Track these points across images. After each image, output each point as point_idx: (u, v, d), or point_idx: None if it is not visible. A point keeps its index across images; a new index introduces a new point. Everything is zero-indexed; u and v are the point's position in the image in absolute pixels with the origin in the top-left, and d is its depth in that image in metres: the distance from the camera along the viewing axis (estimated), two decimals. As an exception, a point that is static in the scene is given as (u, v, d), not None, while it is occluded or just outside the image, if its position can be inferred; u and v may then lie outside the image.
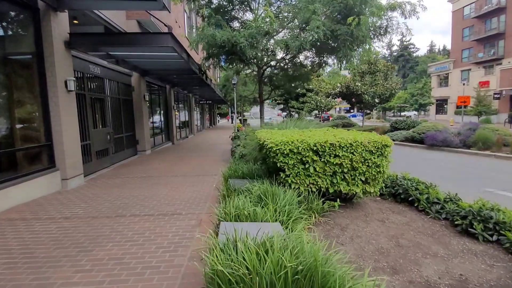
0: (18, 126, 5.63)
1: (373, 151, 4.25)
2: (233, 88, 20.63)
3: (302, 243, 2.11)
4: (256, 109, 61.94)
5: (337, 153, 4.11)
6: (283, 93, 24.06)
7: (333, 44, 9.47)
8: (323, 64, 13.97)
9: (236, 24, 12.63)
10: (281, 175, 4.21)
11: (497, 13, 35.24)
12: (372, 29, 9.69)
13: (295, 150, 4.08)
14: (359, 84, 21.18)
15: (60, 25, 6.26)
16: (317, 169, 4.13)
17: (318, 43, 8.39)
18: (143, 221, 4.26)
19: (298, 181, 4.19)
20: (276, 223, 3.11)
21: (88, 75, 8.04)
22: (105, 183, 6.93)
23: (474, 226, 3.65)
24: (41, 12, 5.86)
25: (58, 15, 6.20)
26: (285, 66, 14.33)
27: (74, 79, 6.60)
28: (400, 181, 5.30)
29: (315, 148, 4.08)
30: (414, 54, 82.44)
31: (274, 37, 11.08)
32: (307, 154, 4.08)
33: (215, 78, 29.00)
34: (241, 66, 13.65)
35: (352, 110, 67.31)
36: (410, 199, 4.85)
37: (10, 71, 5.48)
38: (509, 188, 6.48)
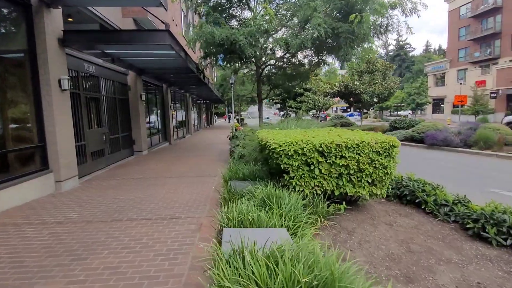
0: (10, 126, 5.41)
1: (380, 152, 4.09)
2: (231, 87, 20.44)
3: (315, 253, 1.94)
4: (253, 108, 61.83)
5: (343, 154, 3.95)
6: (281, 93, 23.92)
7: (333, 43, 9.32)
8: (322, 63, 13.83)
9: (234, 23, 12.43)
10: (285, 177, 4.04)
11: (493, 12, 35.36)
12: (372, 27, 9.55)
13: (300, 151, 3.90)
14: (358, 83, 21.08)
15: (53, 21, 6.03)
16: (323, 171, 3.97)
17: (319, 41, 8.23)
18: (141, 226, 4.06)
19: (303, 184, 4.02)
20: (282, 229, 2.94)
21: (83, 73, 7.81)
22: (100, 185, 6.71)
23: (487, 230, 3.51)
24: (34, 8, 5.63)
25: (52, 12, 5.98)
26: (284, 65, 14.16)
27: (68, 77, 6.38)
28: (406, 182, 5.16)
29: (320, 149, 3.91)
30: (410, 54, 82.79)
31: (273, 35, 10.91)
32: (312, 155, 3.91)
33: (212, 77, 28.78)
34: (240, 65, 13.45)
35: (349, 110, 67.40)
36: (417, 201, 4.71)
37: (1, 69, 5.25)
38: (514, 188, 6.36)
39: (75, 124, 7.04)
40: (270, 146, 4.06)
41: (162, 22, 9.11)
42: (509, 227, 3.44)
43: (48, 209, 4.96)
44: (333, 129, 5.56)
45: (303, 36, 8.19)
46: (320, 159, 3.94)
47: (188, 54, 8.96)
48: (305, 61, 13.61)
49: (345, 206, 4.13)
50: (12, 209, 4.92)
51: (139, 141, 11.23)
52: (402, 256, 3.18)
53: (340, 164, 3.98)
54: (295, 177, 4.01)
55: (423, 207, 4.59)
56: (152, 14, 9.57)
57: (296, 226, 3.14)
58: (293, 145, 3.90)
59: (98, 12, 7.47)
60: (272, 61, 13.80)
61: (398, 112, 56.98)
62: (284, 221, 3.16)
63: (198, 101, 28.42)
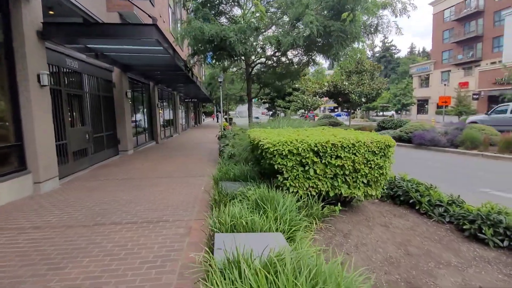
0: (-18, 124, 5.05)
1: (376, 152, 3.99)
2: (219, 86, 20.14)
3: (318, 262, 1.78)
4: (241, 108, 61.53)
5: (339, 154, 3.82)
6: (270, 92, 23.79)
7: (324, 41, 9.22)
8: (311, 63, 13.76)
9: (223, 20, 12.19)
10: (279, 178, 3.88)
11: (476, 16, 36.39)
12: (362, 27, 9.52)
13: (295, 151, 3.75)
14: (347, 83, 21.19)
15: (32, 12, 5.68)
16: (318, 171, 3.83)
17: (311, 40, 8.11)
18: (125, 230, 3.82)
19: (297, 185, 3.87)
20: (278, 234, 2.77)
21: (65, 69, 7.43)
22: (82, 186, 6.38)
23: (484, 231, 3.45)
24: (10, -3, 5.28)
25: (30, 1, 5.62)
26: (274, 64, 14.02)
27: (48, 73, 6.03)
28: (399, 182, 5.09)
29: (315, 148, 3.77)
30: (396, 56, 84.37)
31: (264, 33, 10.74)
32: (307, 155, 3.77)
33: (200, 76, 28.37)
34: (229, 63, 13.21)
35: (336, 110, 68.09)
36: (411, 201, 4.64)
37: (-28, 62, 4.88)
38: (502, 188, 6.41)
39: (56, 122, 6.68)
40: (263, 146, 3.89)
41: (149, 16, 8.78)
42: (505, 228, 3.39)
43: (25, 212, 4.63)
44: (326, 128, 5.44)
45: (294, 34, 8.04)
46: (315, 159, 3.80)
47: (176, 51, 8.68)
48: (295, 60, 13.50)
49: (340, 208, 4.00)
50: (-16, 213, 4.57)
51: (124, 140, 10.85)
52: (401, 260, 3.07)
53: (336, 165, 3.85)
54: (289, 178, 3.85)
55: (417, 207, 4.52)
56: (139, 8, 9.23)
57: (292, 230, 2.99)
58: (288, 144, 3.74)
59: (81, 4, 7.12)
60: (262, 60, 13.61)
61: (384, 113, 57.96)
62: (279, 224, 3.00)
63: (186, 100, 27.96)
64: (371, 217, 4.27)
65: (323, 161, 3.84)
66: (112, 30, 6.42)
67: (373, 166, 4.01)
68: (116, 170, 8.12)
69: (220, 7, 11.41)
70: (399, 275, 2.79)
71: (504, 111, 15.31)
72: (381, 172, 4.08)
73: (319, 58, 12.79)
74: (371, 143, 3.93)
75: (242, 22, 8.78)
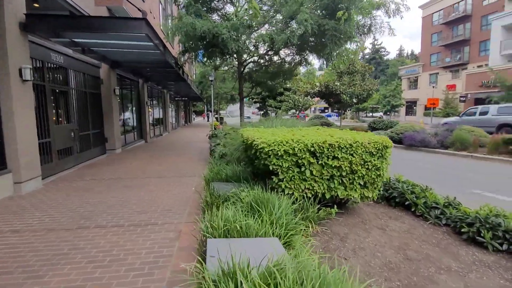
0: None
1: (374, 153, 3.88)
2: (210, 85, 19.87)
3: (321, 273, 1.63)
4: (232, 107, 61.21)
5: (336, 155, 3.70)
6: (261, 91, 23.64)
7: (318, 41, 9.11)
8: (304, 62, 13.67)
9: (215, 17, 11.97)
10: (274, 180, 3.73)
11: (463, 20, 37.10)
12: (356, 27, 9.46)
13: (291, 152, 3.60)
14: (338, 84, 21.24)
15: (14, 2, 5.37)
16: (314, 172, 3.69)
17: (305, 38, 7.99)
18: (111, 234, 3.60)
19: (293, 186, 3.73)
20: (274, 239, 2.62)
21: (49, 64, 7.10)
22: (67, 186, 6.09)
23: (482, 235, 3.39)
24: (-12, -15, 4.97)
25: (11, -9, 5.31)
26: (266, 63, 13.86)
27: (31, 67, 5.73)
28: (394, 183, 5.02)
29: (312, 149, 3.63)
30: (385, 58, 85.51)
31: (257, 31, 10.57)
32: (304, 156, 3.63)
33: (191, 74, 28.01)
34: (221, 61, 12.99)
35: (326, 110, 68.54)
36: (406, 203, 4.57)
37: None
38: (493, 189, 6.44)
39: (39, 119, 6.37)
40: (257, 146, 3.73)
41: (139, 9, 8.48)
42: (504, 231, 3.34)
43: (3, 214, 4.35)
44: (321, 128, 5.33)
45: (289, 32, 7.90)
46: (312, 160, 3.67)
47: (166, 47, 8.44)
48: (288, 59, 13.38)
49: (337, 210, 3.88)
50: (-42, 216, 4.28)
51: (112, 138, 10.52)
52: (401, 265, 2.97)
53: (333, 166, 3.73)
54: (284, 179, 3.70)
55: (413, 209, 4.46)
56: (129, 2, 8.93)
57: (289, 234, 2.84)
58: (283, 144, 3.59)
59: (67, -4, 6.82)
60: (255, 58, 13.43)
61: (373, 114, 58.66)
62: (276, 228, 2.85)
63: (176, 98, 27.55)
64: (367, 219, 4.17)
65: (320, 162, 3.71)
66: (99, 24, 6.14)
67: (370, 167, 3.91)
68: (103, 169, 7.82)
69: (212, 4, 11.19)
70: (400, 282, 2.68)
71: (474, 114, 16.75)
72: (378, 173, 3.98)
73: (312, 58, 12.70)
74: (368, 143, 3.83)
75: (235, 19, 8.59)
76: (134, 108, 14.10)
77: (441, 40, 40.46)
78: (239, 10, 10.51)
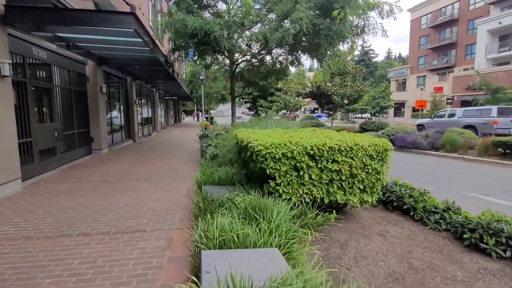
0: None
1: (374, 156, 3.74)
2: (201, 84, 19.55)
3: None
4: (222, 107, 60.76)
5: (336, 158, 3.54)
6: (252, 92, 23.42)
7: (312, 41, 8.97)
8: (296, 63, 13.54)
9: (207, 15, 11.70)
10: (271, 184, 3.54)
11: (450, 24, 37.86)
12: (349, 27, 9.37)
13: (289, 155, 3.42)
14: (330, 85, 21.25)
15: (-11, -8, 5.01)
16: (313, 176, 3.52)
17: (299, 38, 7.84)
18: (95, 243, 3.34)
19: (290, 191, 3.54)
20: (273, 250, 2.43)
21: (31, 59, 6.72)
22: (49, 189, 5.75)
23: (485, 241, 3.28)
24: (-38, -27, 4.61)
25: (-13, -20, 4.96)
26: (257, 63, 13.67)
27: (10, 62, 5.37)
28: (391, 187, 4.91)
29: (311, 152, 3.46)
30: (374, 60, 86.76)
31: (250, 29, 10.37)
32: (303, 159, 3.45)
33: (181, 73, 27.56)
34: (212, 59, 12.72)
35: (316, 111, 68.87)
36: (404, 207, 4.45)
37: None
38: (487, 192, 6.42)
39: (20, 117, 6.01)
40: (253, 148, 3.53)
41: (127, 3, 8.14)
42: (508, 238, 3.24)
43: (-24, 221, 4.02)
44: (317, 129, 5.18)
45: (283, 30, 7.72)
46: (311, 163, 3.49)
47: (156, 44, 8.14)
48: (280, 58, 13.22)
49: (335, 216, 3.72)
50: None
51: (98, 138, 10.13)
52: (405, 275, 2.82)
53: (332, 169, 3.56)
54: (282, 184, 3.52)
55: (411, 214, 4.34)
56: (116, -3, 8.58)
57: (289, 244, 2.65)
58: (281, 147, 3.41)
59: (50, -11, 6.46)
60: (247, 57, 13.21)
61: (362, 115, 59.27)
62: (275, 237, 2.66)
63: (165, 97, 27.06)
64: (366, 224, 4.02)
65: (319, 166, 3.54)
66: (84, 17, 5.82)
67: (370, 171, 3.77)
68: (89, 171, 7.48)
69: (204, 0, 10.92)
70: (406, 294, 2.53)
71: (443, 116, 18.09)
72: (378, 177, 3.84)
73: (304, 58, 12.59)
74: (368, 146, 3.69)
75: (227, 17, 8.36)
76: (121, 107, 13.68)
77: (428, 43, 41.19)
78: (231, 7, 10.29)
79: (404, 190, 4.69)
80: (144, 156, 10.09)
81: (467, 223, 3.58)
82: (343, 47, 10.22)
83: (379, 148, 3.74)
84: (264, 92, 25.85)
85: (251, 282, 1.58)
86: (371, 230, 3.83)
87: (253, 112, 45.21)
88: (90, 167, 7.96)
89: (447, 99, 33.60)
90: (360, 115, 60.73)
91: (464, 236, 3.49)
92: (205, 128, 17.64)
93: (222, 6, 12.14)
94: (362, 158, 3.67)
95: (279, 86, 29.38)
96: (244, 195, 3.56)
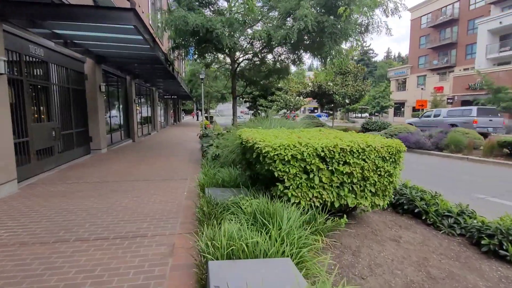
0: None
1: (386, 158, 3.57)
2: (201, 83, 19.34)
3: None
4: (221, 106, 60.56)
5: (348, 160, 3.36)
6: (252, 91, 23.23)
7: (316, 39, 8.79)
8: (297, 62, 13.35)
9: (208, 13, 11.51)
10: (279, 187, 3.36)
11: (451, 24, 37.73)
12: (354, 25, 9.19)
13: (299, 157, 3.24)
14: (331, 84, 21.08)
15: (-17, -14, 4.82)
16: (323, 179, 3.35)
17: (302, 36, 7.66)
18: (94, 249, 3.16)
19: (300, 195, 3.37)
20: (286, 260, 2.25)
21: (28, 57, 6.52)
22: (46, 190, 5.56)
23: (505, 248, 3.12)
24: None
25: (-19, -27, 4.76)
26: (258, 62, 13.48)
27: (5, 59, 5.18)
28: (401, 189, 4.74)
29: (322, 154, 3.28)
30: (373, 59, 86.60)
31: (252, 27, 10.18)
32: (313, 161, 3.28)
33: (181, 72, 27.35)
34: (213, 58, 12.52)
35: (316, 110, 68.70)
36: (416, 211, 4.29)
37: None
38: (497, 194, 6.26)
39: (15, 116, 5.81)
40: (261, 149, 3.35)
41: (127, -1, 7.93)
42: (528, 244, 3.08)
43: (-32, 225, 3.83)
44: (323, 129, 5.01)
45: (288, 28, 7.53)
46: (321, 165, 3.32)
47: (156, 42, 7.95)
48: (282, 57, 13.03)
49: (346, 220, 3.54)
50: None
51: (97, 138, 9.94)
52: (425, 285, 2.65)
53: (344, 172, 3.39)
54: (290, 187, 3.34)
55: (423, 217, 4.17)
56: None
57: (301, 253, 2.48)
58: (291, 148, 3.23)
59: (47, -16, 6.25)
60: (249, 56, 13.02)
61: (362, 115, 59.15)
62: (286, 246, 2.48)
63: (165, 96, 26.84)
64: (377, 229, 3.85)
65: (330, 168, 3.36)
66: (82, 13, 5.63)
67: (382, 174, 3.59)
68: (87, 171, 7.29)
69: (205, -2, 10.72)
70: (428, 307, 2.36)
71: (429, 116, 19.09)
72: (390, 180, 3.67)
73: (306, 57, 12.44)
74: (381, 147, 3.51)
75: (229, 15, 8.17)
76: (121, 106, 13.48)
77: (429, 43, 41.05)
78: (233, 5, 10.09)
79: (415, 193, 4.53)
80: (143, 155, 9.90)
81: (485, 228, 3.41)
82: (346, 45, 10.07)
83: (392, 150, 3.57)
84: (265, 91, 25.67)
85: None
86: (383, 235, 3.66)
87: (252, 112, 45.02)
88: (88, 167, 7.77)
89: (448, 99, 33.48)
90: (359, 114, 60.62)
91: (482, 242, 3.32)
92: (205, 128, 17.47)
93: (223, 3, 11.94)
94: (374, 160, 3.50)
95: (280, 85, 29.23)
96: (250, 199, 3.38)
